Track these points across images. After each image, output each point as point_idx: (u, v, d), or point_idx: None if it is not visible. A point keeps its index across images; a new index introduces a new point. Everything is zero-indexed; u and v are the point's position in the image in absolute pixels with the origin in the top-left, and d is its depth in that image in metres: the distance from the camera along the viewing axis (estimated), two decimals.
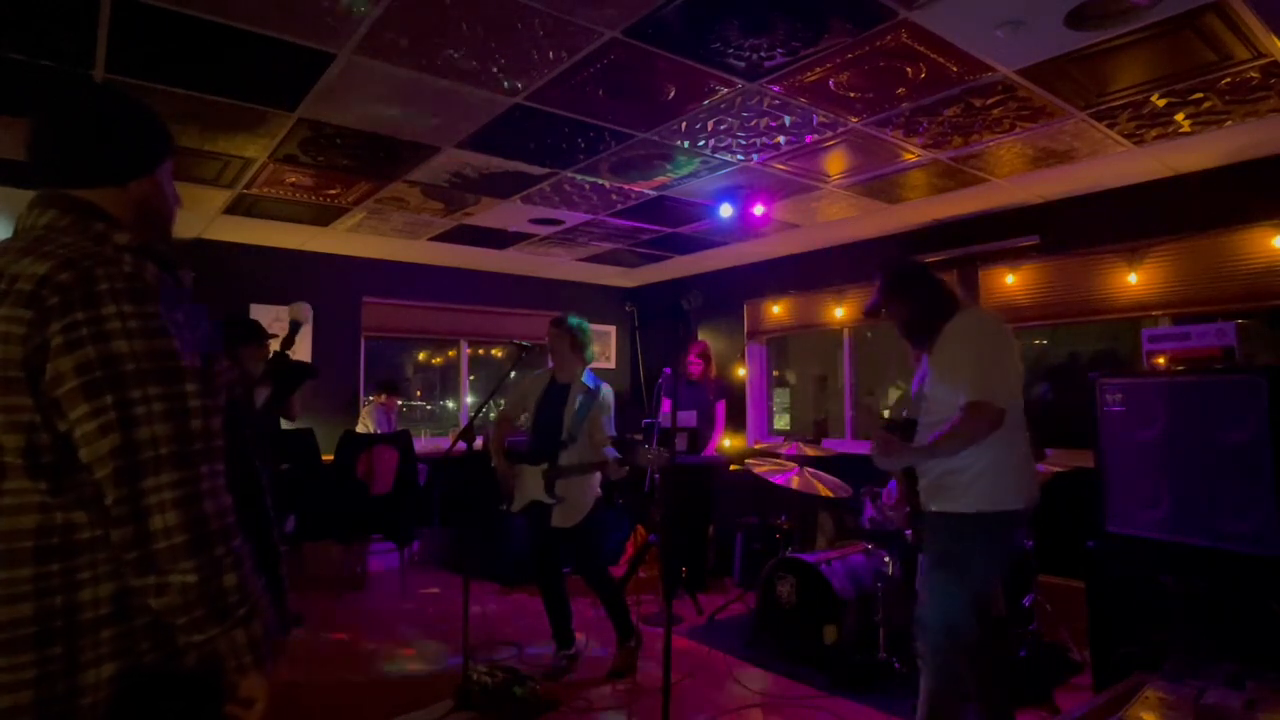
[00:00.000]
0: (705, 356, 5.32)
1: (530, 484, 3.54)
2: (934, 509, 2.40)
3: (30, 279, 0.98)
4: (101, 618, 1.00)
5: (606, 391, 3.61)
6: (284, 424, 4.37)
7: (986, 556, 2.33)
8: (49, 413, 0.97)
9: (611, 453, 3.47)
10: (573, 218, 5.00)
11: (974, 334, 2.36)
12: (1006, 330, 2.42)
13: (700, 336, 6.93)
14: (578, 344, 3.61)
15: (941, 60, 2.73)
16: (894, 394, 7.05)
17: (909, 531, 3.28)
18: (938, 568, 2.35)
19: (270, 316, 5.29)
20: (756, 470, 4.23)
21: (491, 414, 4.60)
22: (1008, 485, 2.30)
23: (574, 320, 3.64)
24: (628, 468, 3.44)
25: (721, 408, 5.31)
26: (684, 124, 3.34)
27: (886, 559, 3.76)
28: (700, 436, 5.19)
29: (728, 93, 3.02)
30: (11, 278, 0.99)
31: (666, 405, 5.04)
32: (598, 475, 3.59)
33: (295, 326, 3.42)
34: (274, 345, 3.47)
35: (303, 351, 5.69)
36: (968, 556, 2.30)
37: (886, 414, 2.90)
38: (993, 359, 2.29)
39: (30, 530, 0.98)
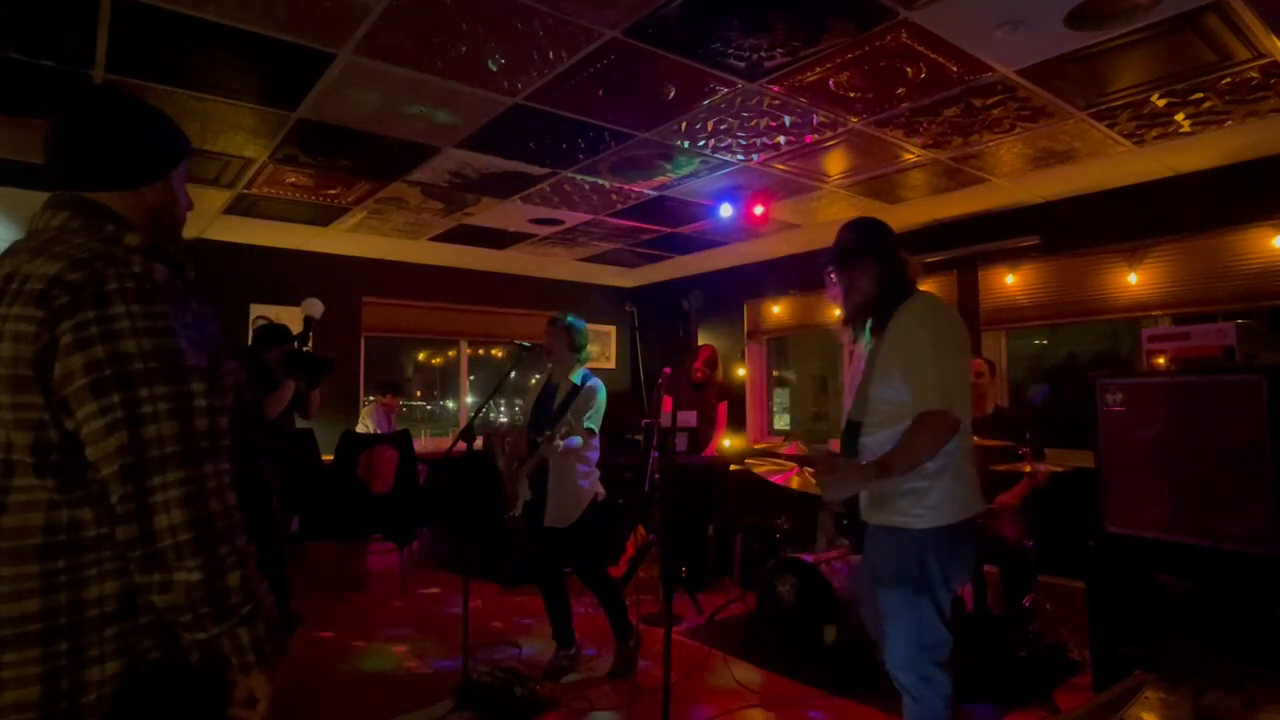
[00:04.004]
0: (711, 364, 5.34)
1: (525, 485, 3.54)
2: (882, 523, 2.07)
3: (41, 279, 0.99)
4: (106, 615, 1.01)
5: (593, 387, 3.54)
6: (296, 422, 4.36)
7: (951, 568, 2.05)
8: (57, 411, 0.98)
9: (574, 441, 3.41)
10: (573, 218, 5.00)
11: (933, 326, 2.03)
12: (960, 322, 2.16)
13: (700, 336, 6.93)
14: (574, 343, 3.60)
15: (941, 60, 2.73)
16: None
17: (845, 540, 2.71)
18: (896, 588, 2.04)
19: (271, 316, 5.31)
20: (756, 470, 4.23)
21: (491, 414, 4.60)
22: (963, 494, 2.04)
23: (569, 318, 3.63)
24: (587, 429, 3.32)
25: (723, 409, 5.31)
26: (684, 124, 3.35)
27: None
28: (700, 437, 5.19)
29: (728, 93, 3.02)
30: (23, 277, 1.00)
31: (668, 405, 5.04)
32: (592, 475, 3.57)
33: (309, 323, 3.46)
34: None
35: None
36: (931, 570, 2.01)
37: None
38: (951, 359, 2.01)
39: (38, 527, 0.99)
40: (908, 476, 2.00)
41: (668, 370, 4.61)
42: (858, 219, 2.27)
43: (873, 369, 2.11)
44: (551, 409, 3.55)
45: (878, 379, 2.08)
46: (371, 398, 6.26)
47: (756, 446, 6.35)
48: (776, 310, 6.35)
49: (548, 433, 3.33)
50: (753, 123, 3.35)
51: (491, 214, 4.87)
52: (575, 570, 3.61)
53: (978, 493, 2.10)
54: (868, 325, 2.18)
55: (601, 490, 3.62)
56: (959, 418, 1.97)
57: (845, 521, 2.21)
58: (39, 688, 0.96)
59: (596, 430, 3.45)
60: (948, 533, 2.01)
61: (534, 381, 3.84)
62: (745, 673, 3.60)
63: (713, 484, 5.23)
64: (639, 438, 6.17)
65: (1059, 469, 3.48)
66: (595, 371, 3.76)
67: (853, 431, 2.14)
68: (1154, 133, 3.42)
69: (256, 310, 5.61)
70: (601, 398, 3.55)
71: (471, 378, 7.17)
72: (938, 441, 1.95)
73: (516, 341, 3.62)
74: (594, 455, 3.57)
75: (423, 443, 6.40)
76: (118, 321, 0.99)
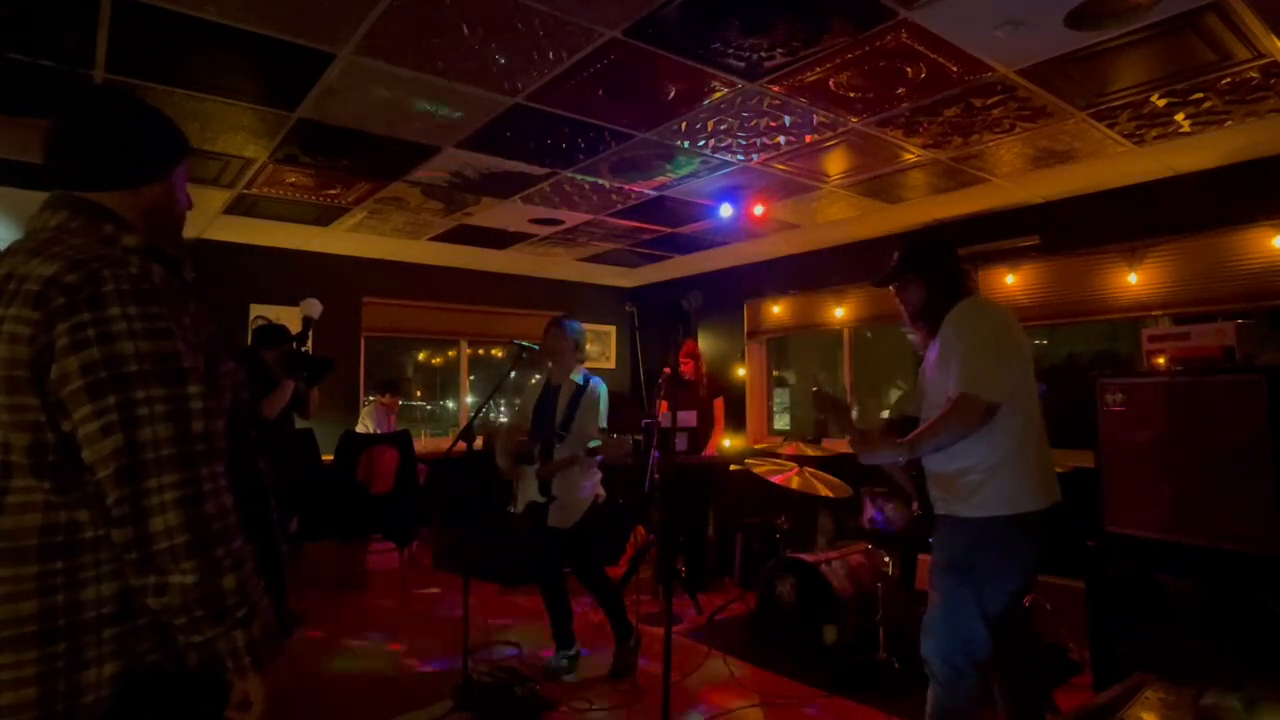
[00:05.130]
0: (694, 356, 5.31)
1: (529, 485, 3.55)
2: (941, 512, 2.23)
3: (38, 280, 0.99)
4: (104, 617, 1.00)
5: (595, 385, 3.60)
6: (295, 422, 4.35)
7: (999, 563, 2.11)
8: (54, 413, 0.98)
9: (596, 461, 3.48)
10: (573, 218, 5.00)
11: (969, 324, 2.20)
12: (1008, 319, 2.25)
13: (700, 336, 6.93)
14: (571, 344, 3.62)
15: (941, 60, 2.73)
16: (894, 394, 7.04)
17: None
18: (945, 573, 2.17)
19: (271, 316, 5.31)
20: (756, 470, 4.23)
21: (491, 414, 4.60)
22: (1023, 486, 2.12)
23: (566, 320, 3.66)
24: (630, 440, 3.43)
25: (719, 405, 5.30)
26: (684, 124, 3.34)
27: (886, 559, 3.76)
28: (700, 436, 5.19)
29: (728, 93, 3.02)
30: (20, 278, 1.00)
31: (663, 409, 5.05)
32: (595, 477, 3.59)
33: (308, 323, 3.47)
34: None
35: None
36: (977, 563, 2.10)
37: (886, 414, 2.71)
38: (985, 350, 2.13)
39: (35, 529, 0.98)
40: (967, 470, 2.14)
41: (667, 370, 4.62)
42: (910, 237, 2.52)
43: (929, 370, 2.31)
44: (554, 410, 3.56)
45: (932, 379, 2.27)
46: (371, 398, 6.26)
47: (756, 446, 6.34)
48: (776, 310, 6.35)
49: (589, 446, 3.44)
50: (753, 123, 3.34)
51: (491, 214, 4.86)
52: (575, 571, 3.61)
53: (1044, 486, 2.19)
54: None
55: (603, 492, 3.63)
56: (993, 402, 2.07)
57: (923, 514, 2.40)
58: (36, 689, 0.96)
59: (605, 427, 3.49)
60: (1000, 523, 2.09)
61: (533, 381, 3.84)
62: (745, 673, 3.60)
63: (707, 483, 5.21)
64: (639, 438, 6.17)
65: (1059, 469, 3.47)
66: (595, 371, 3.77)
67: (913, 425, 2.29)
68: (1154, 133, 3.42)
69: (256, 310, 5.61)
70: (604, 397, 3.60)
71: (471, 378, 7.17)
72: (963, 423, 2.08)
73: (516, 341, 3.62)
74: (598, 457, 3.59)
75: (423, 443, 6.40)
76: (114, 323, 0.99)
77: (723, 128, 3.40)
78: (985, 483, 2.11)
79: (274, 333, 3.77)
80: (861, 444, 2.25)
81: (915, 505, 2.46)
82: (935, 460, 2.23)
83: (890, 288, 2.45)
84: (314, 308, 3.56)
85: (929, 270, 2.34)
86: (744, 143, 3.59)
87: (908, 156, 3.76)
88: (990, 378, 2.09)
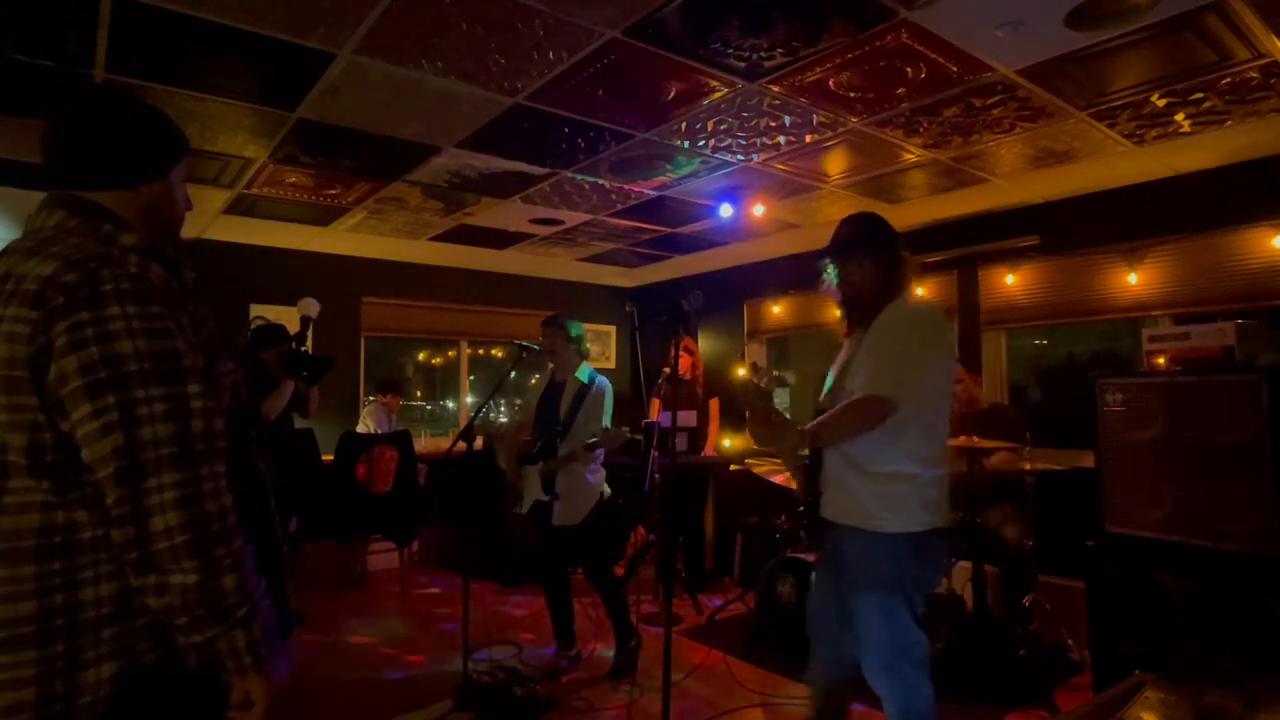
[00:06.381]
0: (690, 351, 5.29)
1: (533, 484, 3.56)
2: (853, 524, 2.06)
3: (36, 279, 0.99)
4: (102, 617, 1.00)
5: (601, 385, 3.60)
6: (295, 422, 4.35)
7: (929, 571, 2.07)
8: (52, 412, 0.98)
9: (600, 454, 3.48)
10: (573, 218, 5.00)
11: (909, 327, 2.06)
12: (944, 330, 2.12)
13: (700, 336, 6.93)
14: (570, 340, 3.62)
15: (941, 60, 2.73)
16: None
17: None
18: (870, 591, 2.03)
19: (271, 316, 5.30)
20: (756, 470, 4.22)
21: (492, 414, 4.60)
22: (936, 501, 2.03)
23: (562, 318, 3.66)
24: (626, 432, 3.41)
25: (714, 405, 5.29)
26: (684, 124, 3.34)
27: None
28: (699, 436, 5.18)
29: (728, 93, 3.02)
30: (18, 278, 1.00)
31: (655, 409, 5.04)
32: (600, 474, 3.59)
33: (306, 322, 3.47)
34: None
35: None
36: (907, 574, 2.01)
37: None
38: (914, 359, 2.00)
39: (33, 529, 0.98)
40: (897, 475, 2.01)
41: (667, 370, 4.62)
42: (857, 214, 2.31)
43: (851, 361, 2.16)
44: (558, 408, 3.56)
45: (854, 371, 2.11)
46: (372, 398, 6.26)
47: (756, 446, 6.34)
48: (776, 310, 6.35)
49: (588, 442, 3.40)
50: (753, 123, 3.34)
51: (491, 214, 4.86)
52: (583, 568, 3.61)
53: (945, 504, 2.08)
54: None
55: (608, 489, 3.63)
56: (895, 404, 1.94)
57: (801, 510, 2.20)
58: (34, 690, 0.96)
59: (609, 427, 3.49)
60: (920, 539, 2.00)
61: (534, 381, 3.85)
62: (745, 673, 3.60)
63: (707, 483, 5.21)
64: (639, 438, 6.18)
65: (1059, 469, 3.48)
66: (596, 370, 3.77)
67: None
68: (1154, 133, 3.42)
69: (256, 310, 5.60)
70: (610, 397, 3.61)
71: (471, 378, 7.16)
72: (862, 421, 1.98)
73: (516, 341, 3.62)
74: (600, 453, 3.59)
75: (423, 443, 6.40)
76: (113, 323, 0.98)
77: (723, 128, 3.40)
78: (914, 493, 2.00)
79: (273, 332, 3.77)
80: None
81: (799, 501, 2.22)
82: (862, 461, 2.05)
83: (826, 267, 2.27)
84: (311, 307, 3.57)
85: (881, 251, 2.16)
86: (744, 143, 3.59)
87: (908, 156, 3.76)
88: (906, 388, 1.96)
